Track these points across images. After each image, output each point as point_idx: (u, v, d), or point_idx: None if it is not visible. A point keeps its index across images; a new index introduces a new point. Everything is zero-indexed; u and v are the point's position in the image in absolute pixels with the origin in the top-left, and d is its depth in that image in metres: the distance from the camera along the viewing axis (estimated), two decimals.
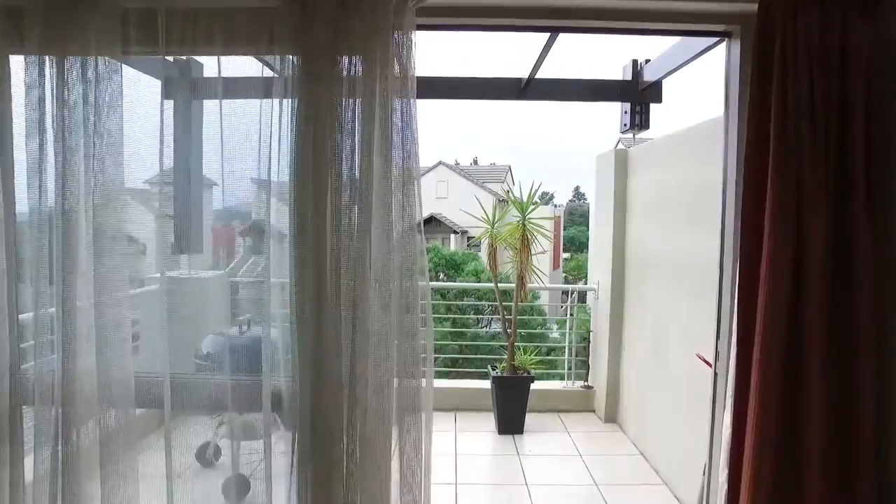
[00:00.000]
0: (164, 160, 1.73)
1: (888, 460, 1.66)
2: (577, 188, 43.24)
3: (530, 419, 5.09)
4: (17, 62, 1.69)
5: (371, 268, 1.66)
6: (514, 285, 5.21)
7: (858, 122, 1.59)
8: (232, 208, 1.99)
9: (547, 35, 3.14)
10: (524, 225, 5.06)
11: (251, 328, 2.16)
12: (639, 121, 4.65)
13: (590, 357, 5.75)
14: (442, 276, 12.78)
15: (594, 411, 5.52)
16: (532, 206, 5.12)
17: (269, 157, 1.71)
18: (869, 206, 1.61)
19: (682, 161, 4.18)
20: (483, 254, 9.22)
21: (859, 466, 1.63)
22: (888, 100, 1.62)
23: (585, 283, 7.98)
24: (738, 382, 1.74)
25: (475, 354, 7.99)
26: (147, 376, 1.78)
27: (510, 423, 5.04)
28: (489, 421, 5.16)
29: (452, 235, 21.69)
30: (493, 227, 5.23)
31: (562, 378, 5.97)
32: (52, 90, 1.65)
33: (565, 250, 25.43)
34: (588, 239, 7.98)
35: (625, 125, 4.81)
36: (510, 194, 5.38)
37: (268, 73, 1.74)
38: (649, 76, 4.34)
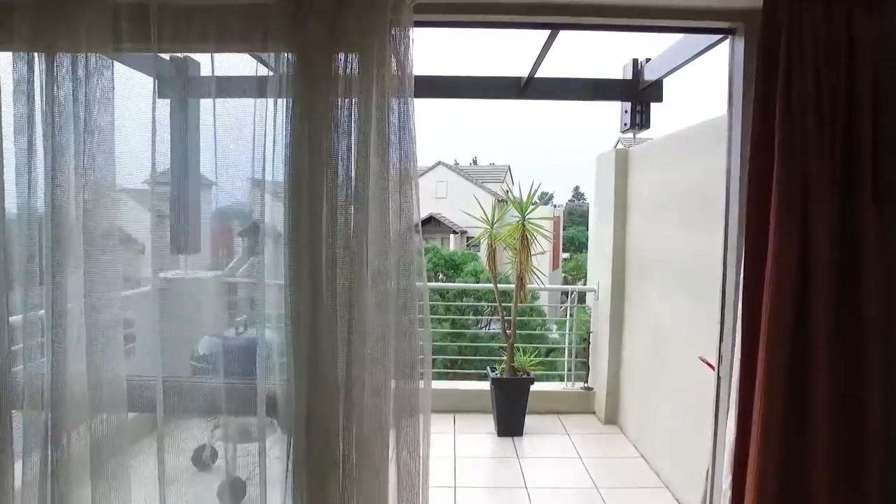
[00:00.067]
0: (157, 158, 1.70)
1: None
2: (576, 188, 43.30)
3: (530, 421, 5.07)
4: (5, 58, 1.65)
5: (368, 268, 1.64)
6: (513, 286, 5.18)
7: (866, 115, 1.58)
8: (231, 208, 1.97)
9: (547, 33, 3.11)
10: (524, 225, 5.03)
11: (248, 330, 2.14)
12: (639, 120, 4.63)
13: (590, 358, 5.72)
14: (441, 276, 12.77)
15: (594, 413, 5.49)
16: (532, 207, 5.09)
17: (264, 157, 1.69)
18: (876, 199, 1.60)
19: (684, 161, 4.15)
20: (482, 254, 9.20)
21: (867, 458, 1.62)
22: None
23: (585, 284, 7.97)
24: (742, 383, 1.72)
25: (474, 355, 7.96)
26: (140, 379, 1.76)
27: (510, 424, 5.01)
28: (488, 423, 5.13)
29: (452, 235, 21.69)
30: (492, 228, 5.20)
31: (561, 379, 5.94)
32: (42, 86, 1.62)
33: (565, 250, 25.43)
34: (587, 239, 7.96)
35: (625, 124, 4.79)
36: (509, 194, 5.35)
37: (262, 70, 1.71)
38: (650, 75, 4.33)
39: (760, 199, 1.64)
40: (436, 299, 7.46)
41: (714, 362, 2.07)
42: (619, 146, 5.68)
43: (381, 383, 1.66)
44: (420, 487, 1.72)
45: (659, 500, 3.98)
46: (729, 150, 1.93)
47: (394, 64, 1.63)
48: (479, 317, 10.73)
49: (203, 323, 2.21)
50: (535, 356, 5.49)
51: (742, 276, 1.71)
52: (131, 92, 1.71)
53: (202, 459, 1.99)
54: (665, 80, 4.32)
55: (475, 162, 36.27)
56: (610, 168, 5.30)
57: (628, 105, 4.69)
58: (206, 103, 1.73)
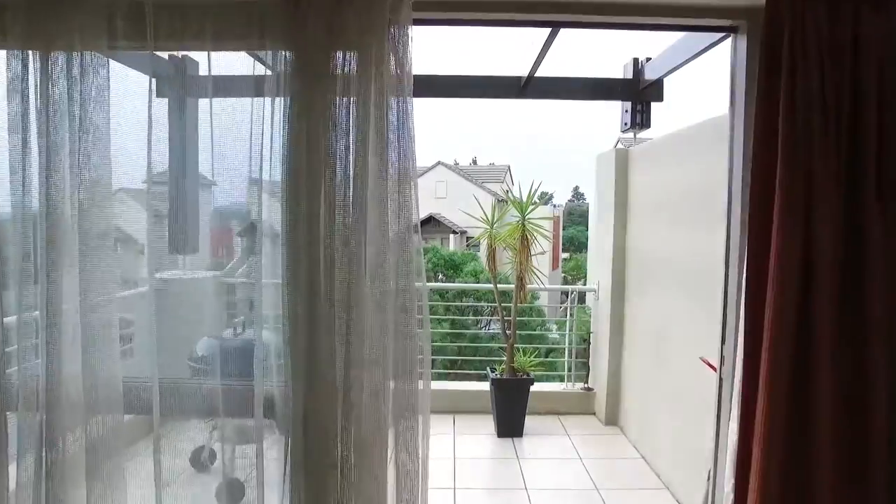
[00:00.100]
0: (152, 157, 1.69)
1: None
2: (576, 188, 43.27)
3: (530, 422, 5.05)
4: None
5: (366, 268, 1.64)
6: (513, 286, 5.16)
7: (871, 111, 1.58)
8: (229, 208, 1.96)
9: (547, 32, 3.09)
10: (524, 225, 5.01)
11: (246, 330, 2.13)
12: (640, 120, 4.60)
13: (590, 358, 5.70)
14: (441, 276, 12.76)
15: (594, 414, 5.47)
16: (531, 206, 5.07)
17: (261, 156, 1.68)
18: (881, 196, 1.59)
19: (685, 160, 4.14)
20: (482, 254, 9.19)
21: (871, 457, 1.62)
22: None
23: (584, 284, 7.95)
24: (745, 384, 1.71)
25: (474, 356, 7.94)
26: (137, 381, 1.74)
27: (509, 425, 4.99)
28: (488, 423, 5.11)
29: (451, 235, 21.68)
30: (492, 228, 5.18)
31: (561, 380, 5.92)
32: (37, 84, 1.61)
33: (564, 250, 25.41)
34: (587, 239, 7.94)
35: (625, 124, 4.77)
36: (509, 194, 5.33)
37: (260, 69, 1.70)
38: (650, 74, 4.31)
39: (763, 197, 1.64)
40: (435, 299, 7.46)
41: (715, 363, 2.06)
42: (619, 146, 5.66)
43: (379, 384, 1.65)
44: (419, 489, 1.71)
45: (659, 502, 3.96)
46: (731, 149, 1.92)
47: (392, 62, 1.62)
48: (479, 317, 10.72)
49: (201, 324, 2.19)
50: (534, 356, 5.47)
51: (745, 275, 1.70)
52: (127, 90, 1.70)
53: (200, 461, 1.98)
54: (666, 80, 4.30)
55: (475, 162, 36.26)
56: (610, 168, 5.28)
57: (629, 104, 4.67)
58: (203, 102, 1.72)
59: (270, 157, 1.67)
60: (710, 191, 3.32)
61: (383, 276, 1.64)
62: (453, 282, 12.01)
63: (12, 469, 1.71)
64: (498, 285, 5.23)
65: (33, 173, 1.62)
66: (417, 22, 1.66)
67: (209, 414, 1.81)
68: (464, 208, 6.50)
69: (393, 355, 1.67)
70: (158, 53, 1.73)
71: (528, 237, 5.00)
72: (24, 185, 1.62)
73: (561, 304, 6.36)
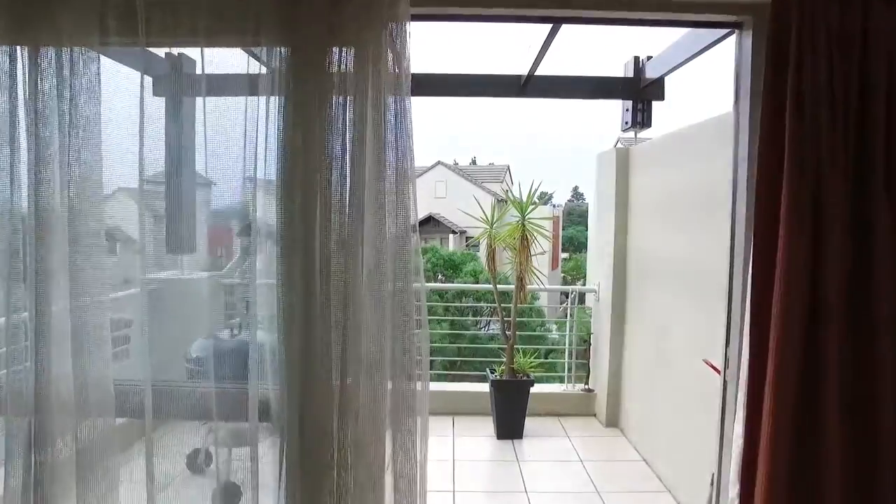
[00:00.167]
0: (146, 155, 1.65)
1: None
2: (575, 188, 43.29)
3: (530, 423, 5.02)
4: None
5: (364, 268, 1.61)
6: (512, 286, 5.13)
7: (879, 104, 1.56)
8: (225, 208, 1.93)
9: (547, 29, 3.06)
10: (523, 225, 4.98)
11: (242, 331, 2.11)
12: (640, 119, 4.58)
13: (590, 359, 5.67)
14: (440, 276, 12.75)
15: (595, 415, 5.45)
16: (531, 206, 5.05)
17: (256, 154, 1.65)
18: (890, 189, 1.57)
19: (687, 159, 4.11)
20: (482, 254, 9.17)
21: (881, 457, 1.60)
22: None
23: (584, 284, 7.93)
24: (750, 386, 1.68)
25: (473, 356, 7.92)
26: (130, 383, 1.71)
27: (509, 427, 4.96)
28: (488, 425, 5.08)
29: (451, 235, 21.69)
30: (491, 228, 5.16)
31: (561, 381, 5.89)
32: (25, 79, 1.58)
33: (564, 250, 25.43)
34: (587, 239, 7.92)
35: (626, 123, 4.74)
36: (509, 194, 5.31)
37: (255, 67, 1.68)
38: (651, 73, 4.28)
39: (769, 195, 1.61)
40: (435, 300, 7.44)
41: (718, 365, 2.03)
42: (619, 146, 5.64)
43: (377, 385, 1.62)
44: (417, 491, 1.68)
45: None
46: (736, 147, 1.89)
47: (390, 59, 1.60)
48: (479, 317, 10.70)
49: (196, 324, 2.17)
50: (534, 357, 5.44)
51: (750, 274, 1.68)
52: (118, 87, 1.66)
53: (196, 463, 1.95)
54: (667, 79, 4.27)
55: (474, 162, 36.34)
56: (611, 167, 5.25)
57: (629, 103, 4.65)
58: (199, 100, 1.69)
59: (265, 156, 1.64)
60: (712, 190, 3.29)
61: (381, 276, 1.61)
62: (453, 282, 12.00)
63: (0, 474, 1.67)
64: (497, 285, 5.20)
65: (22, 169, 1.59)
66: (416, 18, 1.63)
67: (204, 416, 1.78)
68: (463, 208, 6.48)
69: (391, 356, 1.64)
70: (156, 52, 1.70)
71: (528, 237, 4.97)
72: (12, 181, 1.59)
73: (560, 304, 6.32)
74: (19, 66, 1.58)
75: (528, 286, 5.08)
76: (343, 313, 1.60)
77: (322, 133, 1.57)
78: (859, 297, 1.59)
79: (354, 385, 1.61)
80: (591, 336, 5.70)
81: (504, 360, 5.18)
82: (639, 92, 4.48)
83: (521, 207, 5.01)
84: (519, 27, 2.05)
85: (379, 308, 1.62)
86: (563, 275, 23.30)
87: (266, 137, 1.63)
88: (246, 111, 1.65)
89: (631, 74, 4.48)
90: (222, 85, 1.70)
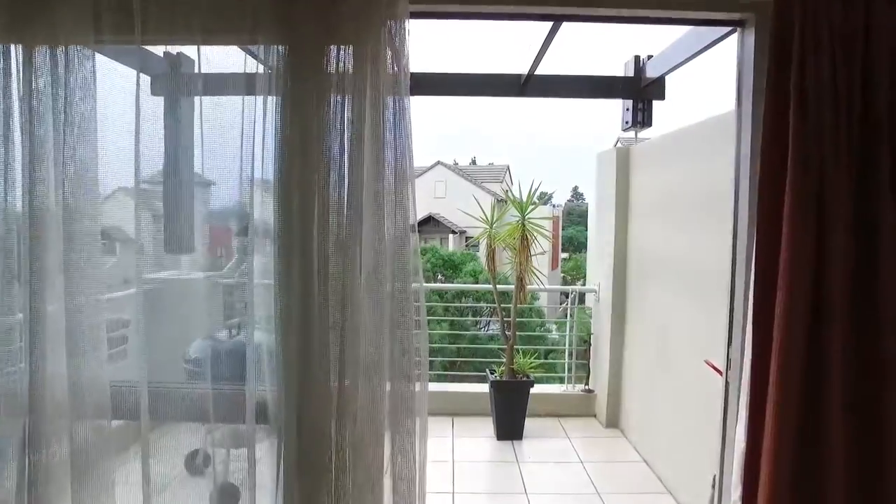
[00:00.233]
0: (142, 154, 1.64)
1: None
2: (575, 188, 43.31)
3: (529, 424, 5.00)
4: None
5: (362, 269, 1.60)
6: (512, 286, 5.12)
7: (883, 103, 1.54)
8: (223, 208, 1.92)
9: (548, 28, 3.05)
10: (523, 225, 4.97)
11: (241, 332, 2.09)
12: (641, 118, 4.57)
13: (590, 360, 5.66)
14: (440, 276, 12.73)
15: (595, 416, 5.43)
16: (531, 206, 5.03)
17: (253, 154, 1.63)
18: (894, 185, 1.56)
19: (688, 158, 4.09)
20: (481, 254, 9.15)
21: (886, 456, 1.58)
22: None
23: (584, 284, 7.91)
24: (753, 386, 1.67)
25: (473, 357, 7.91)
26: (127, 385, 1.69)
27: (509, 428, 4.95)
28: (487, 426, 5.06)
29: (451, 235, 21.68)
30: (491, 228, 5.14)
31: (561, 381, 5.87)
32: (19, 78, 1.56)
33: (563, 250, 25.44)
34: (587, 239, 7.90)
35: (626, 122, 4.73)
36: (509, 194, 5.29)
37: (252, 65, 1.66)
38: (652, 72, 4.27)
39: (772, 194, 1.60)
40: (434, 300, 7.42)
41: (719, 365, 2.01)
42: (619, 145, 5.62)
43: (375, 386, 1.61)
44: (416, 493, 1.67)
45: None
46: (738, 145, 1.87)
47: (389, 58, 1.58)
48: (479, 318, 10.69)
49: (194, 325, 2.15)
50: (534, 357, 5.42)
51: (753, 274, 1.66)
52: (113, 86, 1.65)
53: (195, 465, 1.94)
54: (668, 78, 4.25)
55: (474, 162, 36.33)
56: (611, 166, 5.23)
57: (629, 103, 4.63)
58: (196, 100, 1.68)
59: (263, 156, 1.62)
60: (713, 189, 3.28)
61: (379, 277, 1.60)
62: (452, 282, 11.98)
63: None
64: (497, 286, 5.19)
65: (16, 168, 1.57)
66: (415, 15, 1.62)
67: (202, 418, 1.77)
68: (463, 208, 6.47)
69: (389, 357, 1.63)
70: (154, 51, 1.69)
71: (528, 237, 4.95)
72: (6, 179, 1.57)
73: (560, 304, 6.30)
74: (13, 63, 1.56)
75: (528, 286, 5.06)
76: (341, 314, 1.58)
77: (320, 132, 1.56)
78: (864, 296, 1.57)
79: (353, 386, 1.60)
80: (591, 336, 5.69)
81: (504, 360, 5.17)
82: (639, 91, 4.47)
83: (521, 207, 4.99)
84: (519, 26, 2.04)
85: (377, 309, 1.60)
86: (562, 275, 23.31)
87: (264, 137, 1.61)
88: (243, 110, 1.64)
89: (631, 74, 4.46)
90: (220, 84, 1.69)
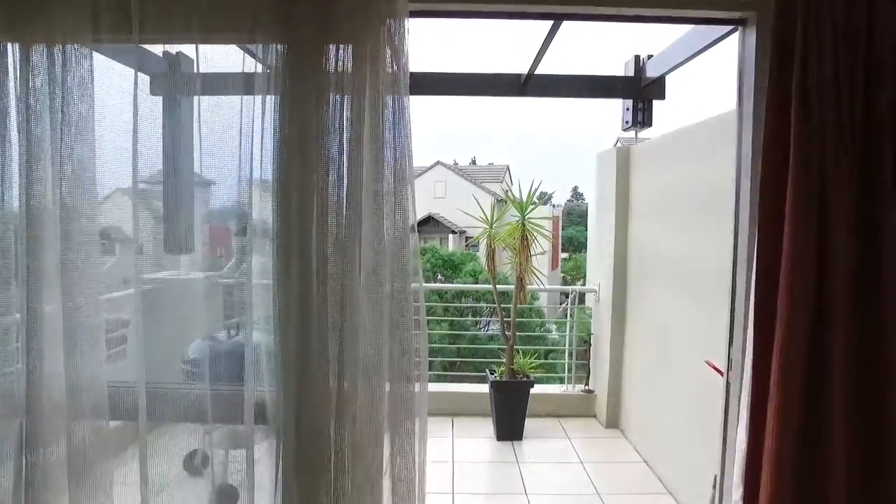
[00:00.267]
0: (140, 153, 1.63)
1: None
2: (575, 188, 43.31)
3: (529, 424, 4.99)
4: None
5: (361, 269, 1.59)
6: (512, 286, 5.11)
7: (885, 98, 1.53)
8: (222, 208, 1.91)
9: (548, 26, 3.04)
10: (523, 225, 4.95)
11: (240, 332, 2.09)
12: (641, 118, 4.56)
13: (590, 360, 5.65)
14: (440, 276, 12.73)
15: (595, 416, 5.42)
16: (531, 206, 5.02)
17: (252, 155, 1.63)
18: None
19: (688, 158, 4.08)
20: (481, 254, 9.15)
21: (888, 457, 1.58)
22: None
23: (584, 284, 7.90)
24: (754, 387, 1.66)
25: (473, 357, 7.90)
26: (125, 385, 1.69)
27: (509, 428, 4.93)
28: (487, 426, 5.05)
29: (451, 235, 21.67)
30: (491, 227, 5.13)
31: (561, 381, 5.86)
32: (17, 76, 1.55)
33: (563, 250, 25.44)
34: (586, 239, 7.89)
35: (626, 122, 4.72)
36: (509, 193, 5.28)
37: (251, 65, 1.65)
38: (652, 72, 4.26)
39: (774, 193, 1.59)
40: (434, 300, 7.41)
41: (720, 366, 2.00)
42: (619, 145, 5.61)
43: (375, 387, 1.60)
44: (416, 494, 1.66)
45: None
46: (739, 145, 1.86)
47: (388, 57, 1.57)
48: (478, 318, 10.68)
49: (193, 325, 2.14)
50: (534, 358, 5.41)
51: (754, 274, 1.65)
52: (111, 85, 1.64)
53: (193, 465, 1.93)
54: (668, 77, 4.25)
55: (474, 162, 36.34)
56: (611, 166, 5.22)
57: (629, 102, 4.62)
58: (195, 99, 1.67)
59: (262, 156, 1.61)
60: (714, 189, 3.27)
61: (379, 277, 1.59)
62: (452, 282, 11.97)
63: None
64: (497, 286, 5.17)
65: (13, 167, 1.56)
66: (414, 14, 1.61)
67: (200, 418, 1.75)
68: (463, 208, 6.45)
69: (389, 357, 1.62)
70: (155, 52, 1.68)
71: (528, 237, 4.94)
72: (3, 179, 1.56)
73: (560, 304, 6.29)
74: (10, 62, 1.55)
75: (528, 286, 5.05)
76: (340, 315, 1.57)
77: (319, 132, 1.55)
78: (866, 296, 1.56)
79: (352, 387, 1.59)
80: (592, 336, 5.68)
81: (504, 360, 5.16)
82: (639, 91, 4.46)
83: (521, 207, 4.98)
84: (519, 25, 2.03)
85: (377, 309, 1.60)
86: (562, 275, 23.30)
87: (262, 137, 1.60)
88: (241, 110, 1.63)
89: (631, 73, 4.45)
90: (218, 83, 1.68)
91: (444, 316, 8.06)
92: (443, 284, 11.17)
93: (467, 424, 5.14)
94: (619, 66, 4.62)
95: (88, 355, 1.62)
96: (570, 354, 5.69)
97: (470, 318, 10.54)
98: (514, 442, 4.88)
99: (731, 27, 1.95)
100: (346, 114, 1.56)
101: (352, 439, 1.60)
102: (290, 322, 1.58)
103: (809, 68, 1.52)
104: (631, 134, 4.99)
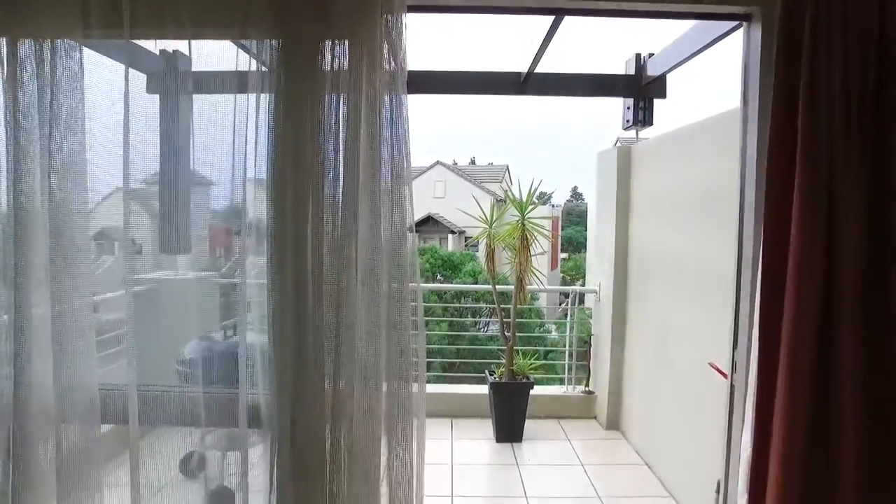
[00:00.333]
0: (132, 152, 1.59)
1: None
2: (574, 188, 43.33)
3: (529, 425, 4.96)
4: None
5: (358, 270, 1.56)
6: (512, 287, 5.08)
7: (895, 97, 1.50)
8: (220, 208, 1.88)
9: (548, 24, 3.00)
10: (523, 225, 4.92)
11: (236, 333, 2.07)
12: (642, 117, 4.53)
13: (591, 361, 5.62)
14: (439, 276, 12.70)
15: (595, 418, 5.39)
16: (531, 206, 4.99)
17: (246, 154, 1.60)
18: None
19: (691, 157, 4.05)
20: (481, 254, 9.12)
21: None
22: None
23: (583, 284, 7.87)
24: (760, 390, 1.63)
25: (472, 358, 7.87)
26: (117, 388, 1.66)
27: (509, 430, 4.90)
28: (487, 428, 5.02)
29: (450, 235, 21.66)
30: (490, 228, 5.10)
31: (561, 382, 5.83)
32: (3, 70, 1.52)
33: (563, 251, 25.44)
34: (586, 239, 7.87)
35: (627, 121, 4.68)
36: (508, 193, 5.25)
37: (245, 61, 1.61)
38: (653, 70, 4.22)
39: (780, 194, 1.56)
40: (433, 300, 7.38)
41: (723, 367, 1.97)
42: (619, 144, 5.58)
43: (372, 388, 1.58)
44: (414, 497, 1.65)
45: None
46: (743, 144, 1.83)
47: (386, 53, 1.54)
48: (478, 318, 10.65)
49: (187, 326, 2.12)
50: (534, 358, 5.38)
51: (759, 275, 1.62)
52: (101, 78, 1.60)
53: (189, 468, 1.90)
54: (669, 76, 4.21)
55: (473, 161, 36.34)
56: (611, 166, 5.19)
57: (630, 101, 4.59)
58: (189, 97, 1.65)
59: (256, 155, 1.58)
60: (717, 189, 3.24)
61: (376, 277, 1.56)
62: (451, 282, 11.94)
63: None
64: (497, 286, 5.14)
65: (1, 162, 1.53)
66: (412, 9, 1.58)
67: (195, 421, 1.72)
68: (462, 208, 6.42)
69: (386, 358, 1.59)
70: (153, 51, 1.65)
71: (528, 237, 4.91)
72: None
73: (560, 304, 6.26)
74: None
75: (528, 286, 5.02)
76: (336, 316, 1.55)
77: (314, 130, 1.52)
78: (874, 296, 1.53)
79: (348, 388, 1.56)
80: (592, 337, 5.65)
81: (503, 361, 5.13)
82: (640, 90, 4.43)
83: (521, 207, 4.95)
84: (519, 21, 2.00)
85: (374, 310, 1.57)
86: (562, 275, 23.30)
87: (257, 135, 1.57)
88: (235, 107, 1.59)
89: (632, 72, 4.42)
90: (213, 81, 1.65)
91: (443, 316, 8.03)
92: (442, 284, 11.14)
93: (466, 426, 5.11)
94: (619, 65, 4.59)
95: (79, 357, 1.59)
96: (570, 355, 5.66)
97: (469, 318, 10.51)
98: (514, 444, 4.85)
99: (734, 24, 1.91)
100: (342, 111, 1.53)
101: (348, 441, 1.57)
102: (285, 322, 1.55)
103: (818, 66, 1.48)
104: (631, 133, 4.96)
